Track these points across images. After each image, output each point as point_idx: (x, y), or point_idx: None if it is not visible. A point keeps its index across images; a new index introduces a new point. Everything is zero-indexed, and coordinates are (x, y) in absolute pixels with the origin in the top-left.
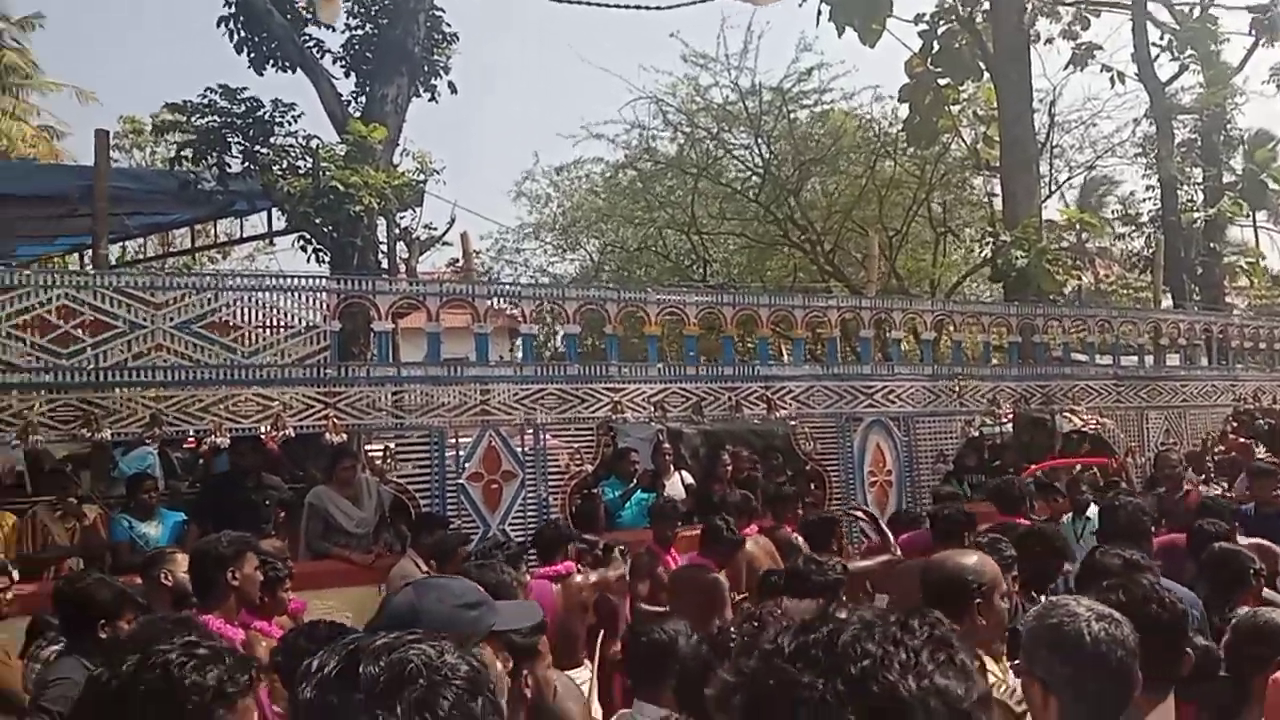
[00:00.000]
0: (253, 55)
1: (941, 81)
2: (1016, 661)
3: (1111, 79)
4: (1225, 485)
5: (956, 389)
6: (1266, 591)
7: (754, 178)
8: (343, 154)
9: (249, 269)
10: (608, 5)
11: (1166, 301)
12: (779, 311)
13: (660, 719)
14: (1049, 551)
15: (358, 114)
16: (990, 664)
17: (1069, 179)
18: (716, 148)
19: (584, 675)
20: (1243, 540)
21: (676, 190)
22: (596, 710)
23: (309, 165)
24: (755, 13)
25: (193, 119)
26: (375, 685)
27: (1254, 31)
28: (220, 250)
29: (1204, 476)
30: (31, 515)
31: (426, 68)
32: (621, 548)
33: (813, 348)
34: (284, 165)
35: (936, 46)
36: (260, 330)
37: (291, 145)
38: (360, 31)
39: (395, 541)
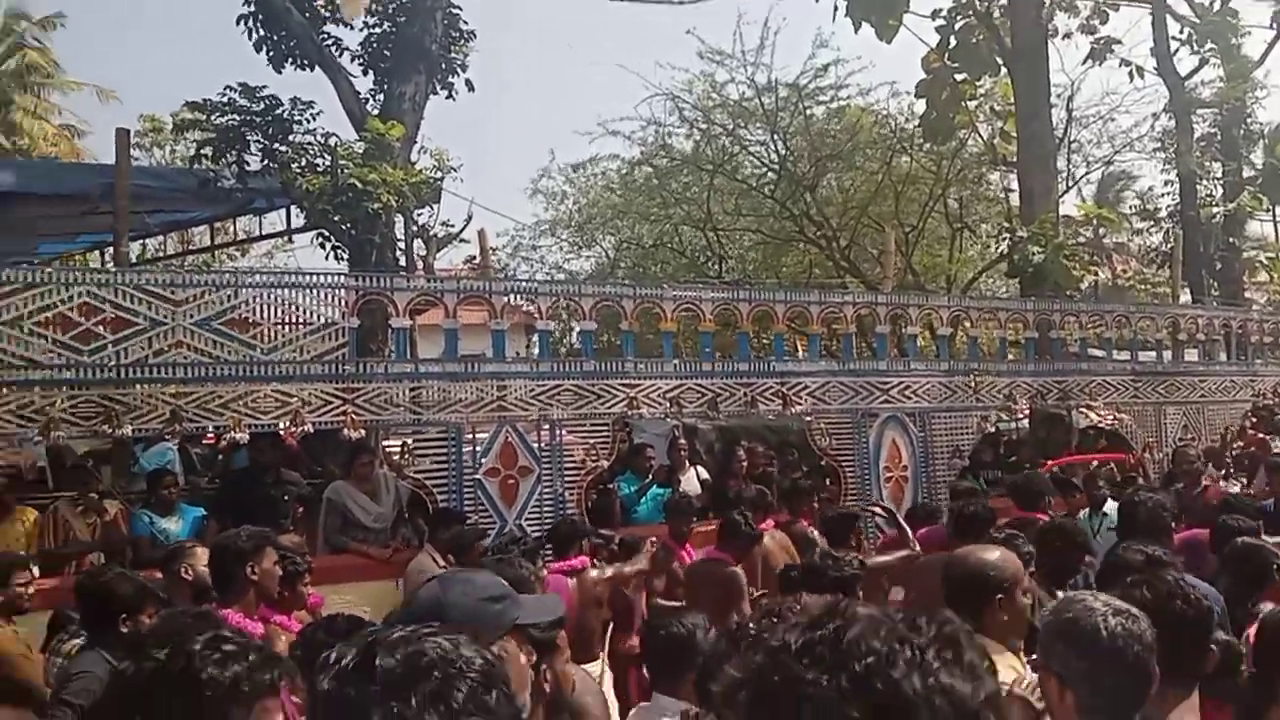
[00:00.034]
0: (271, 54)
1: (958, 77)
2: (1034, 656)
3: (1130, 73)
4: (1244, 481)
5: (972, 384)
6: None
7: (770, 174)
8: (361, 152)
9: (267, 266)
10: None
11: (1185, 297)
12: (795, 307)
13: (680, 712)
14: (1069, 546)
15: (376, 112)
16: (1011, 659)
17: (1086, 174)
18: (732, 144)
19: (598, 670)
20: (1267, 539)
21: (692, 187)
22: (611, 704)
23: (327, 163)
24: (772, 9)
25: (212, 117)
26: (391, 677)
27: (1275, 25)
28: (239, 248)
29: (1224, 472)
30: (53, 510)
31: (444, 65)
32: (654, 540)
33: (828, 343)
34: (303, 163)
35: (954, 42)
36: (279, 327)
37: (310, 143)
38: (378, 29)
39: (413, 536)
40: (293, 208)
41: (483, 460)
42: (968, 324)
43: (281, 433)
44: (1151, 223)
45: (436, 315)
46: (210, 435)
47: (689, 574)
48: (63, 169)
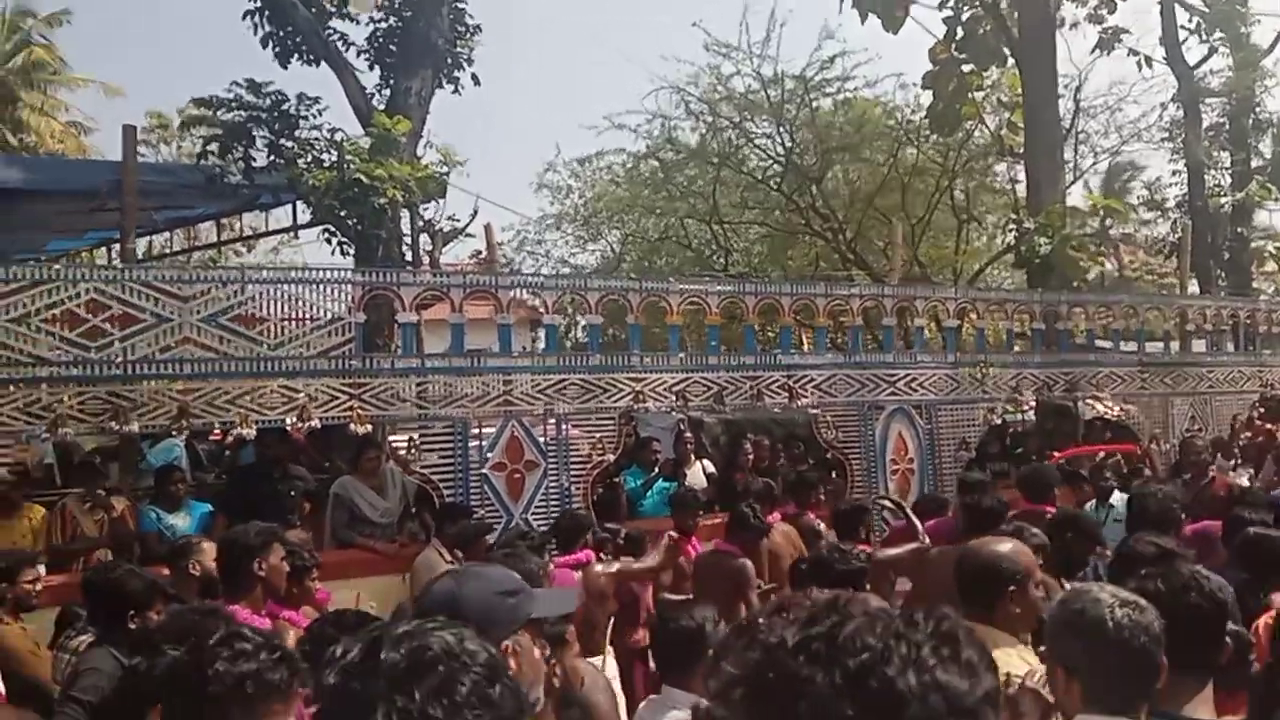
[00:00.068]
0: (278, 49)
1: (965, 68)
2: (1043, 648)
3: (1139, 63)
4: (1251, 471)
5: (979, 376)
6: None
7: (776, 167)
8: (367, 147)
9: (274, 262)
10: None
11: (1192, 287)
12: (801, 300)
13: (690, 705)
14: (1080, 537)
15: (382, 107)
16: (1024, 652)
17: (1094, 165)
18: (738, 137)
19: (604, 664)
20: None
21: (698, 180)
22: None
23: (334, 158)
24: (778, 1)
25: (218, 113)
26: (395, 671)
27: None
28: (245, 244)
29: (1234, 463)
30: (61, 507)
31: (450, 60)
32: (671, 534)
33: (834, 336)
34: (309, 159)
35: (960, 32)
36: (286, 323)
37: (316, 139)
38: (384, 24)
39: (419, 531)
40: (299, 203)
41: (489, 455)
42: (974, 316)
43: (288, 428)
44: (1159, 213)
45: (443, 310)
46: (217, 431)
47: (697, 566)
48: (69, 166)
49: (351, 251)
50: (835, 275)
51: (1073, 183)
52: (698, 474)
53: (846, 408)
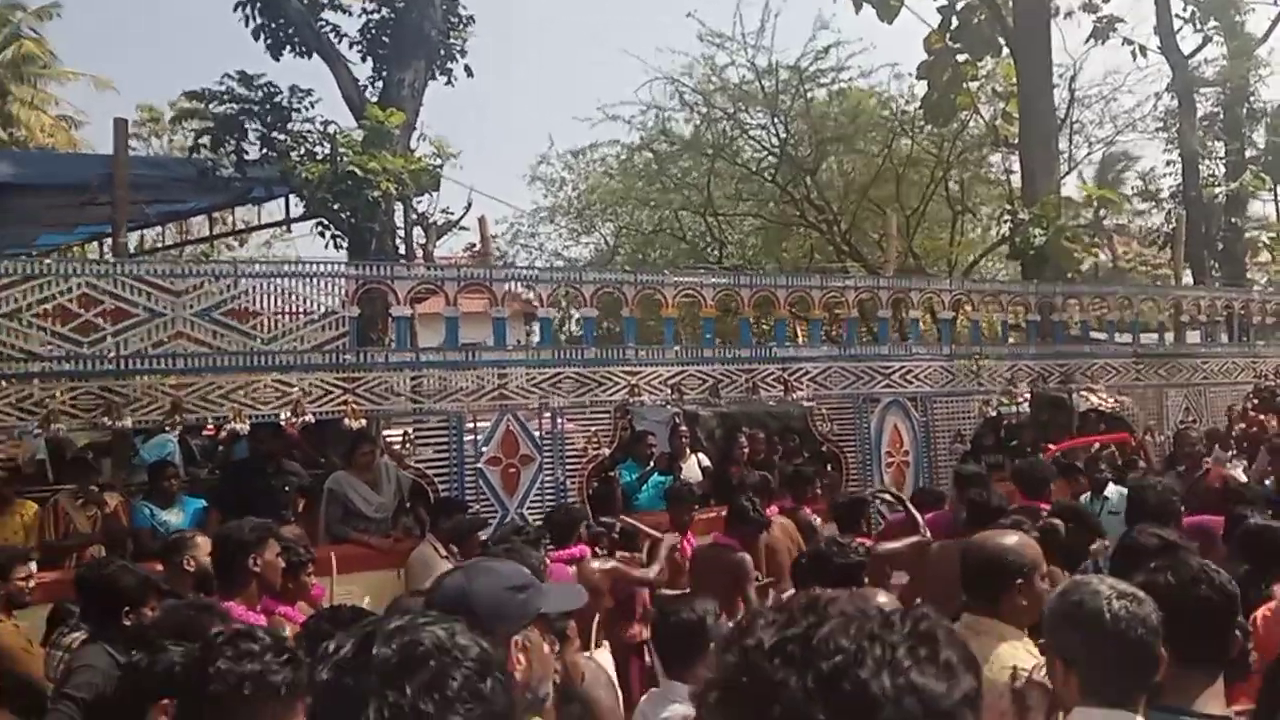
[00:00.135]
0: (270, 41)
1: (960, 58)
2: (1043, 640)
3: (1133, 52)
4: (1245, 463)
5: (974, 368)
6: None
7: (770, 158)
8: (360, 139)
9: (266, 256)
10: None
11: (1187, 278)
12: (796, 292)
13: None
14: (1080, 528)
15: (375, 99)
16: (1030, 645)
17: (1088, 155)
18: (733, 128)
19: (603, 658)
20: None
21: (692, 172)
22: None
23: (327, 151)
24: None
25: (210, 106)
26: (387, 667)
27: (1278, 1)
28: (238, 237)
29: (1231, 454)
30: (53, 503)
31: (443, 51)
32: (672, 545)
33: (829, 328)
34: (302, 151)
35: (955, 22)
36: (279, 317)
37: (309, 131)
38: (377, 16)
39: (414, 526)
40: (292, 196)
41: (484, 449)
42: (969, 307)
43: (282, 423)
44: (1153, 204)
45: (437, 303)
46: (210, 426)
47: (695, 559)
48: (60, 160)
49: (345, 245)
50: (830, 267)
51: (1067, 173)
52: (693, 468)
53: (842, 400)
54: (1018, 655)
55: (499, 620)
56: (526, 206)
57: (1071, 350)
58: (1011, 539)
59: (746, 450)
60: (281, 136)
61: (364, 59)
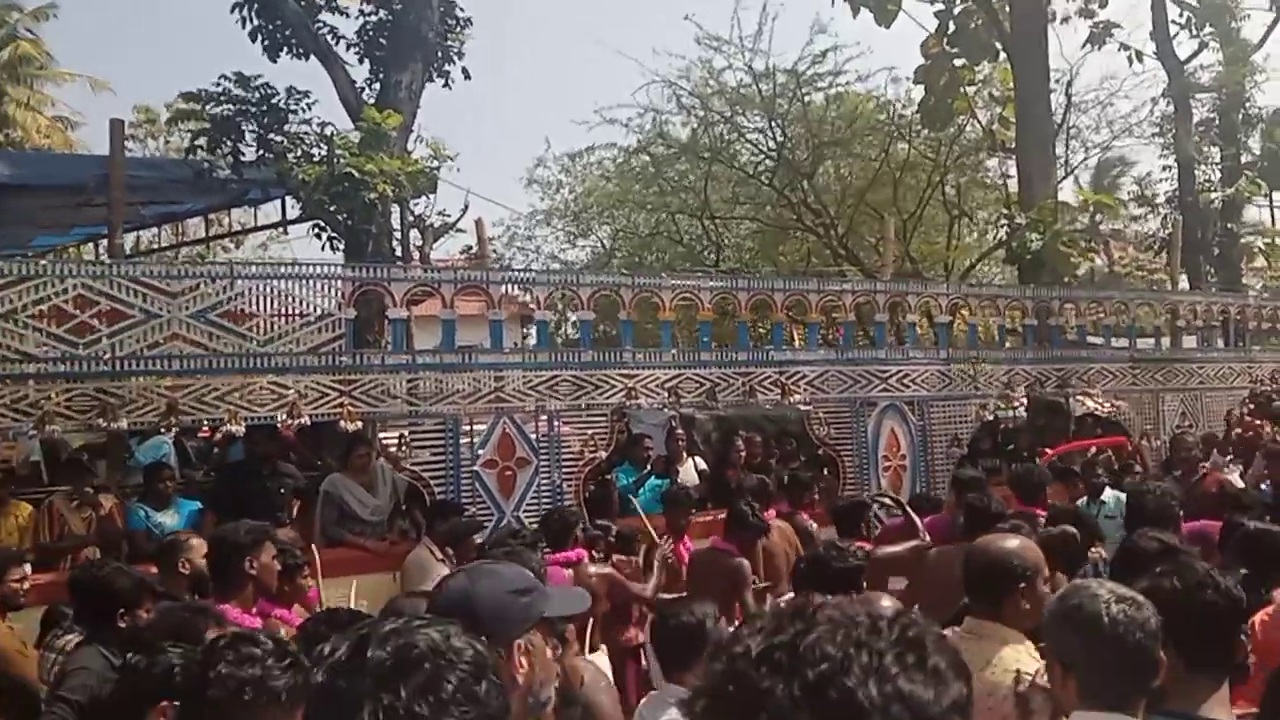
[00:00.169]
0: (267, 42)
1: (957, 62)
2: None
3: (1129, 57)
4: (1241, 467)
5: (971, 373)
6: None
7: (768, 161)
8: (357, 141)
9: (263, 258)
10: None
11: (1183, 283)
12: (793, 296)
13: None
14: (1081, 533)
15: (372, 101)
16: (1033, 649)
17: (1084, 160)
18: (730, 131)
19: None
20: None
21: (689, 175)
22: None
23: (323, 153)
24: None
25: (207, 107)
26: (382, 669)
27: (1274, 7)
28: (234, 239)
29: (1228, 459)
30: (48, 505)
31: (440, 53)
32: (667, 555)
33: (826, 332)
34: (298, 153)
35: (952, 27)
36: (275, 319)
37: (306, 132)
38: (375, 17)
39: (410, 529)
40: (288, 198)
41: (480, 452)
42: (966, 312)
43: (278, 425)
44: (1148, 209)
45: (433, 306)
46: (206, 428)
47: (693, 564)
48: (56, 161)
49: (341, 247)
50: (827, 271)
51: (1064, 178)
52: (690, 471)
53: (839, 404)
54: (1021, 659)
55: (502, 623)
56: (523, 209)
57: (1068, 355)
58: (1014, 542)
59: (743, 454)
60: (278, 138)
61: (361, 61)
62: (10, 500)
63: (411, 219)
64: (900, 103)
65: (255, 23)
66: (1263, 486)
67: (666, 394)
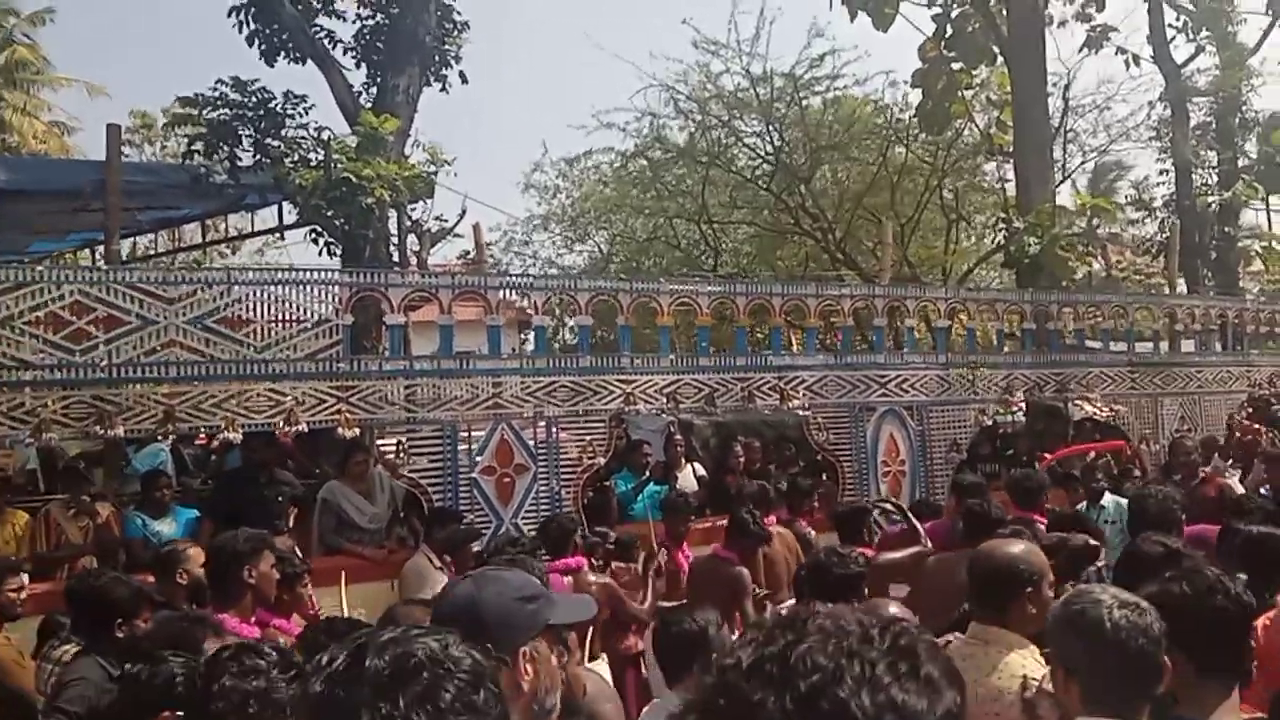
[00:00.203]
0: (264, 47)
1: (955, 66)
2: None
3: (1126, 61)
4: (1240, 472)
5: (970, 377)
6: None
7: (765, 166)
8: (354, 146)
9: (260, 263)
10: None
11: (1181, 287)
12: (792, 300)
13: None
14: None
15: (369, 105)
16: (1036, 653)
17: (1082, 164)
18: (727, 136)
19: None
20: None
21: (687, 179)
22: None
23: (321, 157)
24: None
25: (204, 112)
26: (380, 678)
27: (1271, 11)
28: (231, 245)
29: (1228, 463)
30: (45, 514)
31: (437, 58)
32: (661, 564)
33: (825, 337)
34: (295, 158)
35: (950, 30)
36: (272, 325)
37: (303, 137)
38: (372, 22)
39: (408, 536)
40: (285, 203)
41: (478, 459)
42: (965, 316)
43: (275, 432)
44: (1146, 213)
45: (431, 311)
46: (203, 436)
47: (694, 571)
48: (52, 166)
49: (338, 252)
50: (825, 275)
51: (1061, 182)
52: (688, 477)
53: (837, 409)
54: (1027, 664)
55: (508, 630)
56: (521, 214)
57: (1066, 359)
58: (1019, 547)
59: (742, 459)
60: (275, 143)
61: (358, 65)
62: (7, 509)
63: (409, 224)
64: (898, 107)
65: (252, 27)
66: (1262, 491)
67: (665, 399)
